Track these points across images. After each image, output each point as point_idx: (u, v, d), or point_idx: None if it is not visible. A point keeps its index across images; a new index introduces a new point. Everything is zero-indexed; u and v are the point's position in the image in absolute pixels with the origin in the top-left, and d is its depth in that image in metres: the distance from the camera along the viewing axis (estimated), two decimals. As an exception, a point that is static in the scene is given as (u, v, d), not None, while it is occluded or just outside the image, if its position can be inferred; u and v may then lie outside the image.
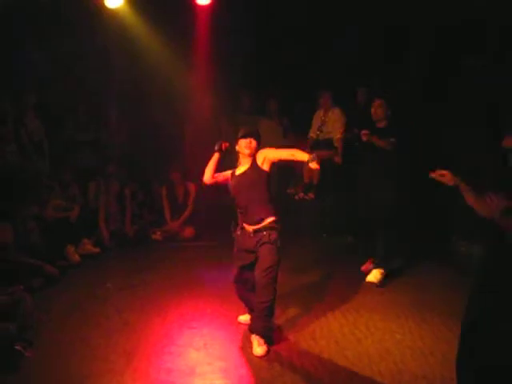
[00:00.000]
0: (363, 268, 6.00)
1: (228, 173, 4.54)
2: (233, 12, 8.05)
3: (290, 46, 8.27)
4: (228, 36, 8.20)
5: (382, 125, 5.75)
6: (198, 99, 8.57)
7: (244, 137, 4.35)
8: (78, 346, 4.34)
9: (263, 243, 4.24)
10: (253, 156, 4.35)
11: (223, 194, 7.33)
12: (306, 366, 4.07)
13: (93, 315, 4.99)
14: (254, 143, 4.35)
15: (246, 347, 4.32)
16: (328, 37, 7.98)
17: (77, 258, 6.59)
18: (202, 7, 8.08)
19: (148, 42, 8.03)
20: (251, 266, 4.33)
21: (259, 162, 4.30)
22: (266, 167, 4.30)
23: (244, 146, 4.34)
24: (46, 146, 7.47)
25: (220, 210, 7.49)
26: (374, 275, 5.73)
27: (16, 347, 3.99)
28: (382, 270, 5.75)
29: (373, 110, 5.72)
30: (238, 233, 4.43)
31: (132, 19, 7.84)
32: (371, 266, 5.90)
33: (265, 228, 4.25)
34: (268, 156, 4.29)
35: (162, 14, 7.64)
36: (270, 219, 4.27)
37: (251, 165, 4.33)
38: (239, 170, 4.42)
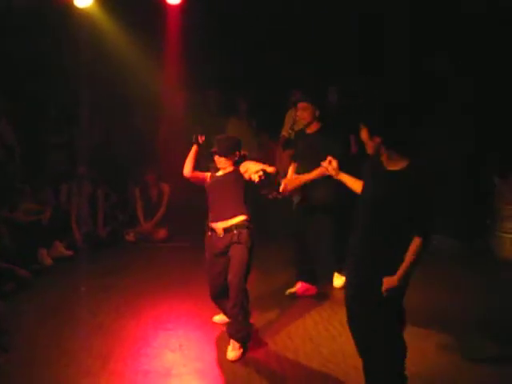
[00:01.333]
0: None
1: (208, 174, 4.54)
2: (202, 11, 8.06)
3: (262, 45, 8.30)
4: (198, 35, 8.20)
5: (312, 129, 5.22)
6: (170, 99, 8.54)
7: (218, 154, 4.34)
8: (53, 351, 4.31)
9: (233, 243, 4.22)
10: (235, 166, 4.38)
11: (196, 195, 7.38)
12: (282, 364, 4.12)
13: (67, 319, 4.94)
14: (223, 161, 4.34)
15: (221, 347, 4.34)
16: (301, 36, 8.03)
17: (49, 261, 6.52)
18: (173, 7, 8.07)
19: (119, 42, 7.97)
20: (224, 274, 4.31)
21: (242, 169, 4.33)
22: (246, 176, 4.30)
23: (221, 163, 4.36)
24: (18, 149, 7.37)
25: (193, 211, 7.50)
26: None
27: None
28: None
29: (298, 113, 5.23)
30: (209, 234, 4.40)
31: (102, 19, 7.78)
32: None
33: (236, 226, 4.22)
34: (250, 170, 4.27)
35: (133, 13, 7.61)
36: (242, 217, 4.25)
37: (233, 170, 4.35)
38: (220, 173, 4.42)
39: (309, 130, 5.26)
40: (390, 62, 7.70)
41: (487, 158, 7.03)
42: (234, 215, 4.25)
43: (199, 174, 4.56)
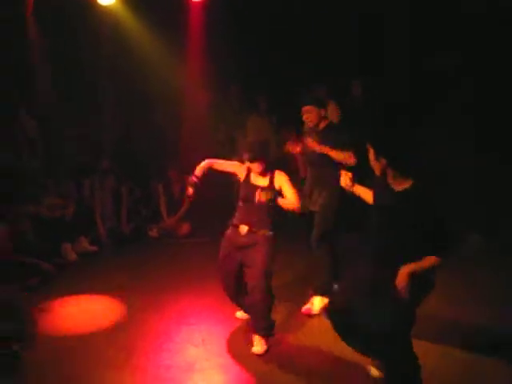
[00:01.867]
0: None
1: (239, 167, 4.54)
2: (224, 8, 8.06)
3: (283, 43, 8.26)
4: (220, 32, 8.20)
5: (320, 128, 5.02)
6: (193, 96, 8.55)
7: (251, 161, 4.35)
8: (76, 344, 4.34)
9: (256, 243, 4.26)
10: (270, 173, 4.38)
11: (219, 191, 7.38)
12: (305, 359, 4.09)
13: (91, 313, 4.99)
14: (258, 166, 4.34)
15: (244, 342, 4.33)
16: (322, 33, 7.99)
17: (74, 256, 6.57)
18: (196, 3, 8.09)
19: (141, 39, 8.01)
20: (236, 273, 4.35)
21: (276, 184, 4.34)
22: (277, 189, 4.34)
23: (254, 168, 4.36)
24: (40, 144, 7.44)
25: (216, 206, 7.51)
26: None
27: (13, 347, 3.97)
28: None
29: (304, 116, 4.98)
30: (229, 231, 4.42)
31: (125, 16, 7.83)
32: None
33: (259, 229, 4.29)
34: (284, 187, 4.33)
35: (155, 10, 7.63)
36: (266, 232, 4.29)
37: (269, 184, 4.35)
38: (254, 179, 4.40)
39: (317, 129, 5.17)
40: (389, 62, 7.65)
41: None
42: (260, 228, 4.29)
43: (223, 167, 4.59)
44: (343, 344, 3.60)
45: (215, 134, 8.51)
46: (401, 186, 3.33)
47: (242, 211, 4.39)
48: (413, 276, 3.18)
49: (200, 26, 8.36)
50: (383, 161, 3.32)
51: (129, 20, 7.91)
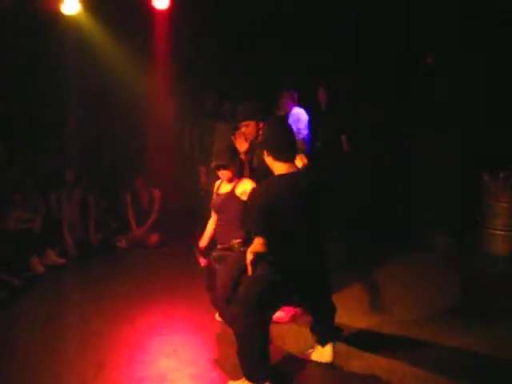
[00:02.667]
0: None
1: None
2: (191, 15, 8.07)
3: (250, 47, 8.32)
4: (187, 39, 8.22)
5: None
6: (160, 104, 8.53)
7: (216, 168, 4.46)
8: (48, 359, 4.29)
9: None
10: (234, 182, 4.48)
11: (187, 200, 7.39)
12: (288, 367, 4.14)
13: (61, 326, 4.93)
14: (227, 173, 4.45)
15: (216, 351, 4.35)
16: (287, 37, 8.06)
17: (41, 268, 6.48)
18: (161, 11, 8.08)
19: (107, 48, 7.97)
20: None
21: (238, 191, 4.43)
22: (244, 198, 4.40)
23: (220, 175, 4.49)
24: (6, 156, 7.34)
25: (185, 215, 7.51)
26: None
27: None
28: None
29: (243, 130, 4.66)
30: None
31: (90, 25, 7.78)
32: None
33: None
34: (247, 191, 4.39)
35: (121, 19, 7.61)
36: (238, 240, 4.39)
37: (230, 192, 4.46)
38: (221, 189, 4.57)
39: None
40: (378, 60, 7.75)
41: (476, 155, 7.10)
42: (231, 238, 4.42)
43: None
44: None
45: (183, 141, 8.49)
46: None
47: (217, 223, 4.55)
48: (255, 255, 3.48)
49: (165, 33, 8.34)
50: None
51: (93, 29, 7.87)
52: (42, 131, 8.05)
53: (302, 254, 3.68)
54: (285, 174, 3.66)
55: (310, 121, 7.75)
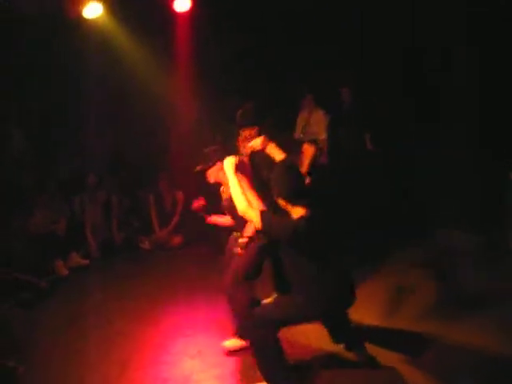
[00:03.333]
0: None
1: None
2: (213, 17, 8.07)
3: (271, 49, 8.28)
4: (209, 41, 8.22)
5: None
6: (182, 107, 8.55)
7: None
8: (72, 359, 4.32)
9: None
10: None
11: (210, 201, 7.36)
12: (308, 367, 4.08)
13: (85, 327, 4.95)
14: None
15: (240, 353, 4.31)
16: (308, 37, 8.01)
17: (65, 271, 6.54)
18: (182, 14, 8.09)
19: (130, 51, 8.01)
20: None
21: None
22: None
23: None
24: (30, 158, 7.41)
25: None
26: None
27: (9, 364, 3.94)
28: None
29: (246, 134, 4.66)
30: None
31: (112, 29, 7.82)
32: None
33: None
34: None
35: (142, 21, 7.63)
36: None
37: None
38: (225, 193, 4.51)
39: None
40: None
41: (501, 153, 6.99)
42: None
43: None
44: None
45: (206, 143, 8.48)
46: None
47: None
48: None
49: (187, 34, 8.36)
50: None
51: (116, 32, 7.90)
52: (64, 133, 8.12)
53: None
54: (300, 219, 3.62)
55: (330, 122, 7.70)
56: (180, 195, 7.90)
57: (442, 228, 7.16)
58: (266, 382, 3.69)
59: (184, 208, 7.88)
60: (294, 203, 3.62)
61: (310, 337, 4.47)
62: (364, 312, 4.81)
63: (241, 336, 4.34)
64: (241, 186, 3.69)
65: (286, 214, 3.64)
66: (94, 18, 7.40)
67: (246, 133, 4.57)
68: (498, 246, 6.66)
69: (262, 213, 3.54)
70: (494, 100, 6.99)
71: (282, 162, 3.83)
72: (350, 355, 4.11)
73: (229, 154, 4.01)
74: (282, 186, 3.65)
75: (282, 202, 3.67)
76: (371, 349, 4.12)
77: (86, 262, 6.91)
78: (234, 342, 4.41)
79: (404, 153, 7.56)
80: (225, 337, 4.59)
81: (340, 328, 4.15)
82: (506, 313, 4.80)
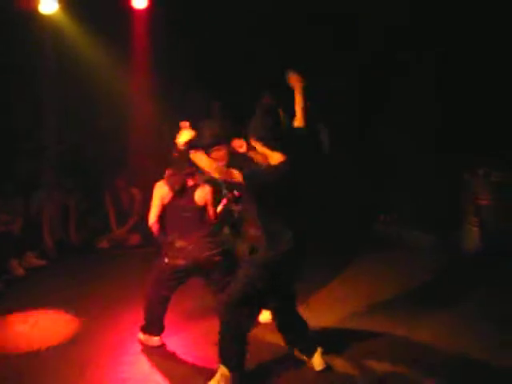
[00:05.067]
0: None
1: None
2: (170, 15, 8.04)
3: (231, 46, 8.29)
4: (167, 39, 8.18)
5: None
6: (140, 104, 8.48)
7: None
8: (28, 362, 4.25)
9: None
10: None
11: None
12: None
13: (42, 328, 4.89)
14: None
15: (200, 351, 4.34)
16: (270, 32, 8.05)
17: (21, 271, 6.42)
18: (139, 11, 8.03)
19: (85, 47, 7.89)
20: None
21: (196, 197, 4.41)
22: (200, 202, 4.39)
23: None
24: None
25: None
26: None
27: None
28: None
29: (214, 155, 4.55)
30: None
31: (68, 25, 7.69)
32: None
33: None
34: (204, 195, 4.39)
35: (98, 17, 7.54)
36: None
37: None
38: None
39: None
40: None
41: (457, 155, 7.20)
42: None
43: None
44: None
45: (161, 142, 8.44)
46: None
47: None
48: None
49: (144, 33, 8.30)
50: None
51: (72, 28, 7.78)
52: (18, 133, 7.96)
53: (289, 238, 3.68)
54: (279, 164, 3.65)
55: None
56: (138, 193, 7.84)
57: (400, 227, 7.37)
58: (220, 359, 3.77)
59: (142, 206, 7.84)
60: (274, 147, 3.63)
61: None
62: (319, 310, 5.01)
63: None
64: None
65: None
66: (49, 14, 7.29)
67: (214, 153, 4.53)
68: (455, 246, 6.92)
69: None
70: (451, 101, 7.21)
71: (262, 104, 3.83)
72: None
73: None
74: (262, 128, 3.67)
75: (259, 147, 3.69)
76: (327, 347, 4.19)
77: (43, 262, 6.80)
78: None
79: (361, 153, 7.73)
80: (183, 335, 4.64)
81: (295, 338, 4.14)
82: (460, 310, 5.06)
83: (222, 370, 3.73)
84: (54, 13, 7.30)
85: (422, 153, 7.40)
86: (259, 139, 3.68)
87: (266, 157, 3.71)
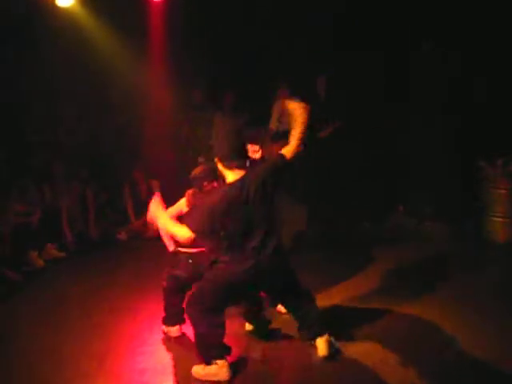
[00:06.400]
0: None
1: None
2: (186, 7, 8.03)
3: (246, 38, 8.26)
4: (182, 31, 8.18)
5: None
6: (156, 96, 8.49)
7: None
8: (48, 353, 4.28)
9: None
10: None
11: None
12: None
13: (61, 320, 4.92)
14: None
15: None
16: (283, 26, 8.01)
17: (40, 262, 6.47)
18: (156, 3, 8.04)
19: (102, 40, 7.92)
20: None
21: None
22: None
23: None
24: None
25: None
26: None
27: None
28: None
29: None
30: None
31: (85, 17, 7.73)
32: None
33: None
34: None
35: (116, 11, 7.56)
36: None
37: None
38: None
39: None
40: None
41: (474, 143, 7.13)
42: None
43: None
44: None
45: (178, 133, 8.45)
46: None
47: None
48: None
49: (161, 25, 8.31)
50: None
51: (89, 21, 7.81)
52: (34, 125, 8.02)
53: (255, 252, 3.71)
54: (234, 182, 3.69)
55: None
56: (155, 184, 7.87)
57: (415, 216, 7.35)
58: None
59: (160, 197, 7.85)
60: (232, 164, 3.68)
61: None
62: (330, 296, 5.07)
63: None
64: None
65: None
66: (66, 7, 7.32)
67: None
68: (470, 235, 6.88)
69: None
70: (466, 94, 7.15)
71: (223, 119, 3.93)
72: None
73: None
74: (223, 145, 3.73)
75: (220, 165, 3.75)
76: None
77: (62, 254, 6.86)
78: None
79: (378, 143, 7.68)
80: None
81: (301, 320, 4.15)
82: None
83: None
84: (71, 6, 7.35)
85: (442, 146, 7.33)
86: (220, 159, 3.75)
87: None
